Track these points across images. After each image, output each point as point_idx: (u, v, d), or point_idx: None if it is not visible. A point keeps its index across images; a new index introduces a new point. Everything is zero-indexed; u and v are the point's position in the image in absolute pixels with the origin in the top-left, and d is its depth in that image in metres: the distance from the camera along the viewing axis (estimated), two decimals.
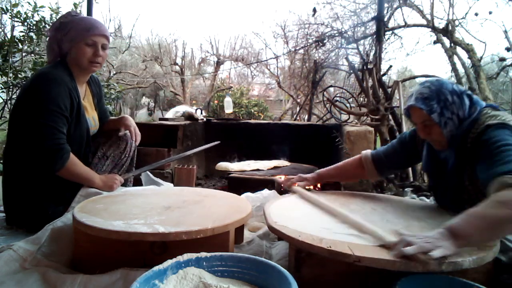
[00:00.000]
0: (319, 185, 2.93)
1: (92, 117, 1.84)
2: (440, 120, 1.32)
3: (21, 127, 1.59)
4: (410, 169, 3.15)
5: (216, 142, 2.69)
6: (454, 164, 1.35)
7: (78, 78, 1.73)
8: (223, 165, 2.95)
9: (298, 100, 7.01)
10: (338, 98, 4.45)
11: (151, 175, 2.33)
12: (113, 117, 2.08)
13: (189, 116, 3.62)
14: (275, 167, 3.00)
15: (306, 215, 1.36)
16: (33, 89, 1.57)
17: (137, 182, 2.34)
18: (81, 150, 1.72)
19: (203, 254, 0.97)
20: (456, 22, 5.71)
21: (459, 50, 5.78)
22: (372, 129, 2.78)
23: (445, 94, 1.33)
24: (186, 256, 0.95)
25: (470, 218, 1.03)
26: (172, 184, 2.40)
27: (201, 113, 4.16)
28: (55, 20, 4.00)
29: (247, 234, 1.68)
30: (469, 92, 1.39)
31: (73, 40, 1.65)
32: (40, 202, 1.62)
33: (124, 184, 1.94)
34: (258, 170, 2.91)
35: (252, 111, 10.18)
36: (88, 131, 1.77)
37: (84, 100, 1.80)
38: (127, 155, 1.93)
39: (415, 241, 0.97)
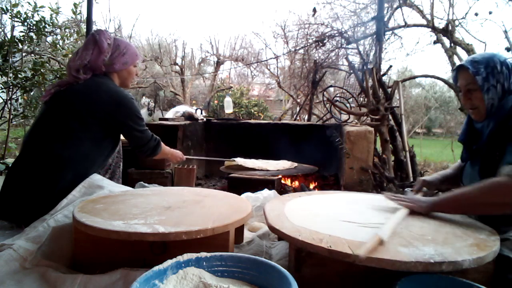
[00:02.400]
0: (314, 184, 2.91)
1: None
2: (483, 84, 1.34)
3: (82, 127, 1.72)
4: (410, 169, 3.15)
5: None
6: (489, 134, 1.35)
7: None
8: (240, 161, 3.03)
9: (298, 100, 7.01)
10: (338, 98, 4.45)
11: (146, 184, 2.35)
12: None
13: (189, 116, 3.62)
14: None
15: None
16: (124, 101, 1.81)
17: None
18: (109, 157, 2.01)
19: (203, 254, 0.97)
20: (456, 22, 5.71)
21: (459, 50, 5.77)
22: (372, 129, 2.78)
23: (495, 62, 1.35)
24: (186, 256, 0.95)
25: (453, 199, 1.27)
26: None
27: (201, 113, 4.17)
28: (54, 20, 4.02)
29: (247, 234, 1.68)
30: None
31: (127, 63, 1.92)
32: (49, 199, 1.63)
33: (113, 177, 2.15)
34: (268, 170, 2.95)
35: (252, 111, 10.18)
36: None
37: None
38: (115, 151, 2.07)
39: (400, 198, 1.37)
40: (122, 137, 2.07)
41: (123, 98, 1.80)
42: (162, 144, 2.03)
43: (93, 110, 1.73)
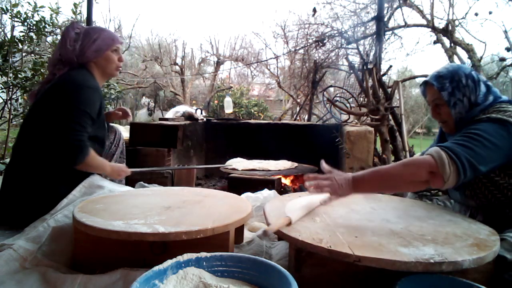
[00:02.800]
0: None
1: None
2: (449, 99, 1.36)
3: (45, 123, 1.64)
4: None
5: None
6: None
7: (100, 83, 1.85)
8: (235, 164, 2.99)
9: (298, 100, 7.01)
10: (338, 98, 4.45)
11: (146, 184, 2.35)
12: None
13: (189, 116, 3.62)
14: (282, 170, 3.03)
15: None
16: (66, 93, 1.65)
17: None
18: (104, 147, 1.90)
19: (203, 254, 0.97)
20: (456, 22, 5.71)
21: (459, 50, 5.78)
22: (372, 129, 2.78)
23: (460, 75, 1.36)
24: (186, 256, 0.95)
25: (372, 174, 1.24)
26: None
27: (201, 113, 4.17)
28: (54, 20, 4.02)
29: (247, 234, 1.68)
30: (489, 82, 1.41)
31: (101, 50, 1.78)
32: (58, 191, 1.63)
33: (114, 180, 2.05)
34: (269, 170, 2.93)
35: (252, 111, 10.18)
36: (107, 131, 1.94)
37: None
38: (116, 145, 2.06)
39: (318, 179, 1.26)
40: (125, 137, 2.07)
41: (71, 83, 1.67)
42: (92, 156, 1.69)
43: (57, 105, 1.65)
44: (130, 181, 2.32)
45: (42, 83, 1.80)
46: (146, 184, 2.34)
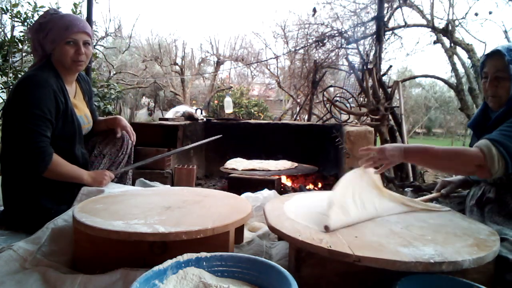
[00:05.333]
0: (320, 185, 2.92)
1: (84, 115, 1.84)
2: None
3: (10, 129, 1.60)
4: (410, 169, 3.15)
5: (218, 136, 2.71)
6: (495, 118, 1.37)
7: (65, 78, 1.71)
8: (233, 164, 2.96)
9: (298, 100, 7.01)
10: (338, 98, 4.45)
11: (147, 181, 2.33)
12: (104, 117, 2.08)
13: (189, 116, 3.62)
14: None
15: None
16: (18, 92, 1.57)
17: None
18: (73, 148, 1.71)
19: (203, 254, 0.97)
20: (456, 22, 5.71)
21: (459, 50, 5.78)
22: (372, 129, 2.78)
23: None
24: (186, 256, 0.95)
25: (422, 152, 1.34)
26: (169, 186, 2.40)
27: (201, 113, 4.17)
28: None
29: (247, 234, 1.67)
30: None
31: (54, 41, 1.63)
32: (41, 202, 1.62)
33: (121, 181, 1.98)
34: (269, 170, 2.93)
35: (252, 111, 10.18)
36: (80, 128, 1.76)
37: (75, 98, 1.80)
38: (124, 153, 1.95)
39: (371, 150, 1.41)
40: (133, 140, 2.01)
41: (21, 83, 1.57)
42: (62, 163, 1.60)
43: (12, 109, 1.59)
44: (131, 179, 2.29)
45: None
46: (147, 181, 2.32)
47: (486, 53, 1.47)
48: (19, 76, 3.71)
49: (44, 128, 1.55)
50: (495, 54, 1.39)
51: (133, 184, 2.17)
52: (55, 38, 1.62)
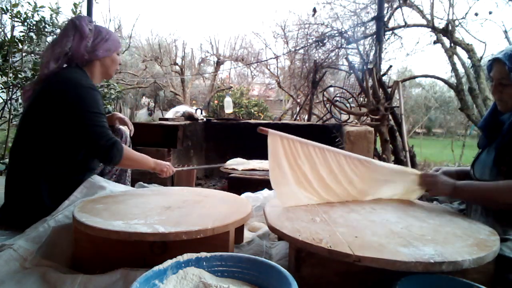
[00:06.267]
0: None
1: None
2: None
3: (52, 130, 1.61)
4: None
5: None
6: (510, 125, 1.36)
7: (95, 82, 1.80)
8: (234, 165, 2.97)
9: (298, 100, 7.01)
10: (338, 98, 4.45)
11: (146, 185, 2.35)
12: None
13: (189, 116, 3.62)
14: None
15: None
16: (73, 95, 1.61)
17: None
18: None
19: (203, 254, 0.97)
20: (456, 22, 5.71)
21: (459, 50, 5.77)
22: (372, 129, 2.78)
23: None
24: (186, 256, 0.95)
25: (474, 190, 1.38)
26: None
27: (201, 113, 4.17)
28: (54, 20, 4.02)
29: (247, 234, 1.68)
30: None
31: (110, 50, 1.77)
32: (44, 200, 1.61)
33: (120, 180, 2.04)
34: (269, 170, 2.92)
35: (252, 111, 10.18)
36: None
37: None
38: None
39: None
40: (131, 128, 2.06)
41: (76, 84, 1.63)
42: (131, 152, 1.73)
43: (55, 106, 1.61)
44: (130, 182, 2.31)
45: (37, 81, 1.73)
46: (145, 184, 2.34)
47: (489, 58, 1.46)
48: (19, 76, 3.71)
49: (106, 123, 1.66)
50: (496, 61, 1.39)
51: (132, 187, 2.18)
52: (111, 48, 1.78)
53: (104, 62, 1.79)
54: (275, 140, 1.45)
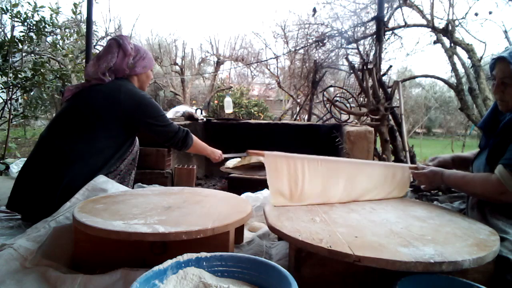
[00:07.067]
0: None
1: None
2: None
3: (104, 131, 1.80)
4: None
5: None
6: (503, 125, 1.36)
7: None
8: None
9: (298, 100, 7.01)
10: (338, 98, 4.45)
11: (145, 186, 2.36)
12: None
13: (189, 116, 3.62)
14: None
15: None
16: (142, 104, 1.87)
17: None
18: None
19: (203, 254, 0.97)
20: (456, 22, 5.71)
21: (459, 50, 5.78)
22: (372, 129, 2.78)
23: None
24: (186, 256, 0.95)
25: (458, 178, 1.45)
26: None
27: (201, 113, 4.17)
28: (54, 20, 4.02)
29: (247, 234, 1.68)
30: None
31: (146, 67, 2.02)
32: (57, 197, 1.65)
33: (123, 182, 2.03)
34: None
35: (252, 111, 10.18)
36: None
37: None
38: (130, 151, 2.05)
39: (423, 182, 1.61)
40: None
41: (141, 98, 1.88)
42: (195, 137, 2.09)
43: (113, 109, 1.81)
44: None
45: (83, 85, 1.91)
46: (144, 185, 2.34)
47: (493, 57, 1.45)
48: (19, 76, 3.72)
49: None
50: (500, 60, 1.37)
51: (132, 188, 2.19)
52: (147, 65, 2.03)
53: (140, 77, 2.04)
54: (273, 161, 1.49)
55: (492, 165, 1.35)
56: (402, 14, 5.76)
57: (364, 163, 1.70)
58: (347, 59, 4.83)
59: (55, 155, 1.71)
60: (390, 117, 3.34)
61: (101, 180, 1.71)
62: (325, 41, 5.73)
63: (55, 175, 1.67)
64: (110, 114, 1.81)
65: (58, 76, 4.16)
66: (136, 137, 2.14)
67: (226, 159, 2.29)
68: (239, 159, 3.01)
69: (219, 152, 2.30)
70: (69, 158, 1.71)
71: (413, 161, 3.24)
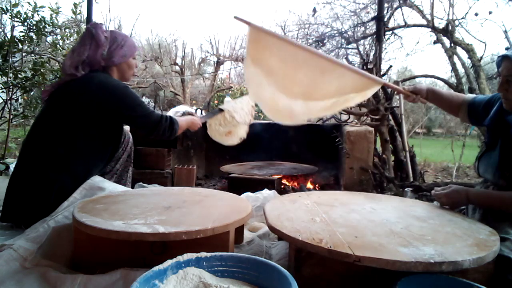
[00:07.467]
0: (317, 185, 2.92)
1: None
2: None
3: (83, 127, 1.68)
4: (410, 169, 3.14)
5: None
6: None
7: None
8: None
9: None
10: None
11: (146, 185, 2.35)
12: None
13: None
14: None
15: None
16: (117, 93, 1.72)
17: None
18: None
19: (203, 254, 0.97)
20: (456, 22, 5.70)
21: (459, 50, 5.77)
22: (372, 129, 2.78)
23: None
24: (186, 256, 0.95)
25: (485, 198, 1.40)
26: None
27: (201, 113, 4.16)
28: (54, 20, 4.02)
29: (247, 234, 1.68)
30: None
31: (125, 56, 1.85)
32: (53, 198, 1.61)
33: (120, 181, 2.07)
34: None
35: None
36: None
37: None
38: (124, 149, 2.04)
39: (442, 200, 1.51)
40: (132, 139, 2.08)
41: (114, 88, 1.72)
42: (178, 119, 1.96)
43: (86, 105, 1.67)
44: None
45: (58, 83, 1.78)
46: (145, 185, 2.34)
47: (501, 54, 1.44)
48: (19, 76, 3.71)
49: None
50: (506, 58, 1.37)
51: (132, 188, 2.18)
52: (126, 54, 1.85)
53: (120, 67, 1.86)
54: (256, 35, 1.37)
55: (504, 171, 1.37)
56: (402, 14, 5.75)
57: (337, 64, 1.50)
58: (347, 59, 4.83)
59: (39, 162, 1.62)
60: (390, 117, 3.34)
61: (97, 179, 1.70)
62: (325, 41, 5.73)
63: (44, 183, 1.59)
64: (85, 110, 1.67)
65: (58, 76, 4.15)
66: (130, 134, 2.09)
67: (205, 124, 2.22)
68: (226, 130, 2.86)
69: (197, 119, 2.16)
70: (54, 163, 1.62)
71: (413, 161, 3.24)
